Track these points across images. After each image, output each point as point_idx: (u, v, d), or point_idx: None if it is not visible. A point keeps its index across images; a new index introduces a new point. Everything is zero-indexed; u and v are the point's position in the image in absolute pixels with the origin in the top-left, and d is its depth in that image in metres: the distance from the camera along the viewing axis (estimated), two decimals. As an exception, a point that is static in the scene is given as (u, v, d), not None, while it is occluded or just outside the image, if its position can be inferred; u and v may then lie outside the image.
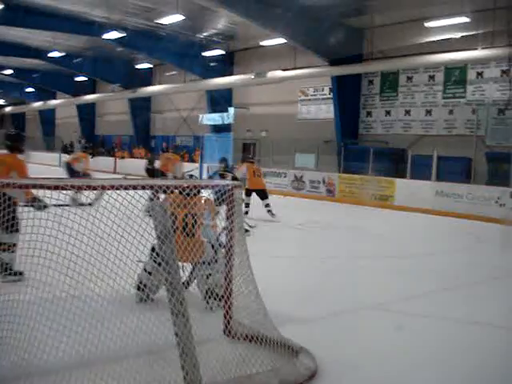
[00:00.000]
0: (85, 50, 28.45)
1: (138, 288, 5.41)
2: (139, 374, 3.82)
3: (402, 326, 5.30)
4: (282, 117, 23.81)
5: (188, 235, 5.40)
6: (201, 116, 27.08)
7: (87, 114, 37.61)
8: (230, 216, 4.33)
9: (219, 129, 26.31)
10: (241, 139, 25.40)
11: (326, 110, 22.24)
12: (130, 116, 32.53)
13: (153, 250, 5.42)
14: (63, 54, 28.53)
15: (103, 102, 35.86)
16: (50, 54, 28.59)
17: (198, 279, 5.57)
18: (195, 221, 5.45)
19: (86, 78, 34.18)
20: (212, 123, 26.78)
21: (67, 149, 36.24)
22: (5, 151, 6.73)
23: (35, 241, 3.45)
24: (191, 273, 5.75)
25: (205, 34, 23.65)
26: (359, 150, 19.77)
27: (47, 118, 43.46)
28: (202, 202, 5.66)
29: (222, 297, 5.14)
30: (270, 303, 4.45)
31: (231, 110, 25.82)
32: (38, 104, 41.70)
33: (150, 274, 5.43)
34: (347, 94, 20.80)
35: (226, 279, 4.41)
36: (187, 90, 27.75)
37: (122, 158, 29.83)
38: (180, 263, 5.41)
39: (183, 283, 5.72)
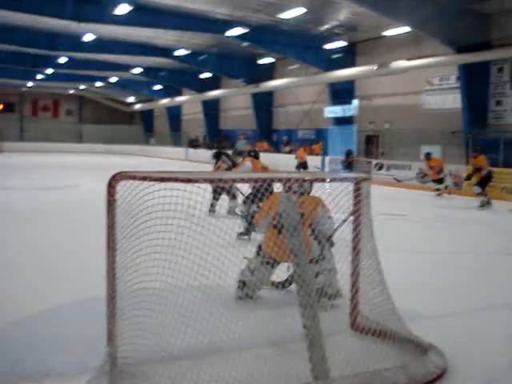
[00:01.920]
0: (209, 48, 29.20)
1: (239, 286, 5.41)
2: (268, 363, 3.89)
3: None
4: (406, 108, 23.23)
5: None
6: (325, 109, 26.98)
7: (212, 109, 38.61)
8: (356, 210, 4.28)
9: (342, 121, 26.10)
10: (363, 131, 25.08)
11: (452, 100, 21.41)
12: (252, 110, 33.03)
13: (259, 248, 5.53)
14: (189, 51, 29.44)
15: (227, 97, 36.65)
16: (176, 53, 29.61)
17: None
18: (303, 219, 5.19)
19: (211, 75, 35.07)
20: (334, 116, 26.62)
21: (193, 144, 37.45)
22: None
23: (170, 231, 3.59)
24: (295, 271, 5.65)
25: (326, 27, 23.50)
26: (488, 141, 18.86)
27: (174, 114, 45.05)
28: (313, 201, 5.44)
29: (335, 296, 5.12)
30: (398, 298, 4.36)
31: (355, 101, 25.52)
32: (165, 101, 43.31)
33: (252, 272, 5.39)
34: (475, 82, 19.89)
35: (353, 273, 4.37)
36: (309, 84, 27.75)
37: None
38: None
39: (284, 282, 5.70)
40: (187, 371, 3.56)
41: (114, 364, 3.47)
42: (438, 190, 17.00)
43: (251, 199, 8.81)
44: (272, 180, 3.56)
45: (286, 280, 5.62)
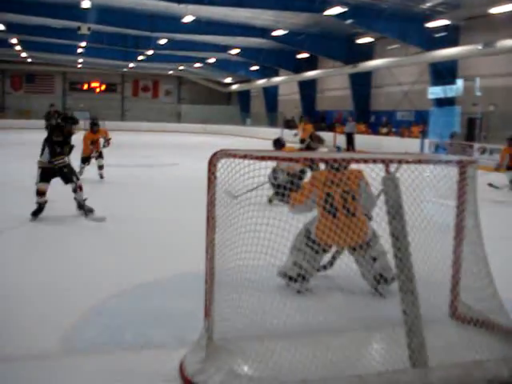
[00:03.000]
0: (307, 27, 28.93)
1: (290, 278, 5.01)
2: (363, 348, 3.84)
3: None
4: (513, 89, 22.15)
5: (349, 215, 4.89)
6: (429, 89, 26.11)
7: (308, 89, 38.38)
8: (461, 195, 4.10)
9: (443, 103, 25.22)
10: (465, 114, 24.15)
11: None
12: (350, 91, 32.57)
13: (308, 232, 5.06)
14: (286, 31, 29.30)
15: (324, 77, 36.31)
16: (274, 33, 29.54)
17: (361, 265, 5.02)
18: (353, 197, 4.96)
19: (308, 55, 34.81)
20: (436, 97, 25.74)
21: (289, 124, 37.38)
22: None
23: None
24: (336, 252, 5.33)
25: (428, 5, 22.67)
26: None
27: (270, 95, 45.14)
28: (355, 175, 5.08)
29: (392, 279, 4.81)
30: (503, 290, 4.15)
31: (459, 82, 24.45)
32: (262, 81, 43.43)
33: (304, 260, 4.99)
34: None
35: (455, 263, 4.20)
36: (409, 64, 26.99)
37: (343, 133, 30.00)
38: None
39: (325, 265, 5.39)
40: (283, 350, 3.56)
41: (211, 339, 3.52)
42: None
43: None
44: (374, 161, 3.44)
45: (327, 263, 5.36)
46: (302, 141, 21.59)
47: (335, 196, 4.87)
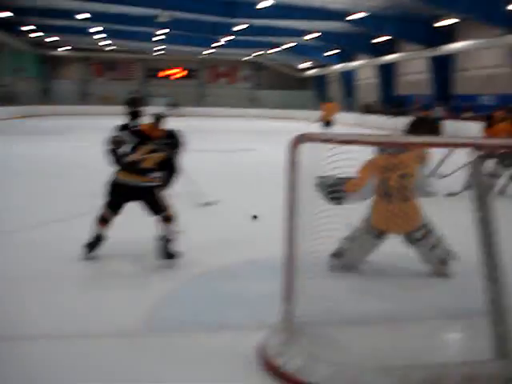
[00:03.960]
0: (385, 10, 28.34)
1: (336, 254, 4.90)
2: (445, 336, 3.76)
3: None
4: None
5: (403, 200, 4.78)
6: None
7: (386, 74, 37.68)
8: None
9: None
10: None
11: None
12: (429, 75, 31.74)
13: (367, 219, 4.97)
14: (364, 15, 28.81)
15: (402, 61, 35.54)
16: (351, 16, 29.09)
17: (421, 253, 4.94)
18: (408, 182, 4.82)
19: (386, 38, 34.14)
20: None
21: (367, 109, 36.89)
22: None
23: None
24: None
25: (514, -16, 21.80)
26: None
27: (347, 80, 44.59)
28: (411, 158, 4.93)
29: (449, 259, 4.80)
30: None
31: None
32: (338, 66, 42.97)
33: (353, 241, 4.90)
34: None
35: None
36: (493, 46, 26.01)
37: (426, 118, 29.41)
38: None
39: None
40: (363, 336, 3.55)
41: (291, 322, 3.53)
42: None
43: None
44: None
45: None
46: (328, 123, 21.32)
47: (390, 181, 4.78)
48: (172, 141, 5.97)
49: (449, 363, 3.28)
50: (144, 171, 5.46)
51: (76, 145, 18.12)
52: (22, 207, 8.27)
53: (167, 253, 5.39)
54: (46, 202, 8.66)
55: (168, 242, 5.42)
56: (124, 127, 6.50)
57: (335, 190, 4.41)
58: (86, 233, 5.58)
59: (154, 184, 5.51)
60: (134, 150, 5.47)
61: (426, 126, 10.04)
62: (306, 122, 19.36)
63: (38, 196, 9.29)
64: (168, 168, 6.12)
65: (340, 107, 23.36)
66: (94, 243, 5.52)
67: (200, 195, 8.46)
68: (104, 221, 5.53)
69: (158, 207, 5.45)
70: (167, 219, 5.43)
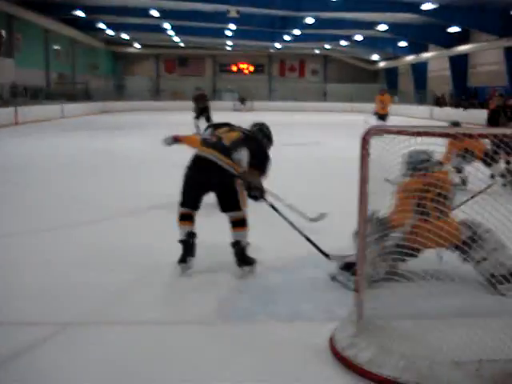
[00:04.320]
0: (458, 0, 27.64)
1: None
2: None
3: None
4: None
5: (441, 217, 4.34)
6: None
7: (459, 65, 36.73)
8: None
9: None
10: None
11: None
12: (504, 66, 30.75)
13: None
14: (436, 5, 28.15)
15: (476, 52, 34.57)
16: (423, 7, 28.48)
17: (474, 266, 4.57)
18: (446, 198, 4.47)
19: (459, 29, 33.27)
20: None
21: (439, 102, 36.09)
22: None
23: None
24: None
25: None
26: None
27: (419, 71, 43.75)
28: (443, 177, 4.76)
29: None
30: None
31: None
32: (410, 57, 42.25)
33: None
34: None
35: None
36: None
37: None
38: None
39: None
40: (434, 330, 3.52)
41: (362, 315, 3.55)
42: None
43: None
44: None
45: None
46: (382, 116, 20.57)
47: (426, 202, 4.36)
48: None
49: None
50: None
51: (153, 139, 18.54)
52: (92, 200, 8.56)
53: (244, 260, 5.00)
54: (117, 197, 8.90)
55: (243, 248, 5.00)
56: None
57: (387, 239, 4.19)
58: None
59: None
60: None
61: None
62: (364, 116, 18.80)
63: (108, 188, 9.66)
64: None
65: (392, 98, 22.63)
66: (185, 247, 4.99)
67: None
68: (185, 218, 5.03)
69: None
70: (240, 223, 4.98)
